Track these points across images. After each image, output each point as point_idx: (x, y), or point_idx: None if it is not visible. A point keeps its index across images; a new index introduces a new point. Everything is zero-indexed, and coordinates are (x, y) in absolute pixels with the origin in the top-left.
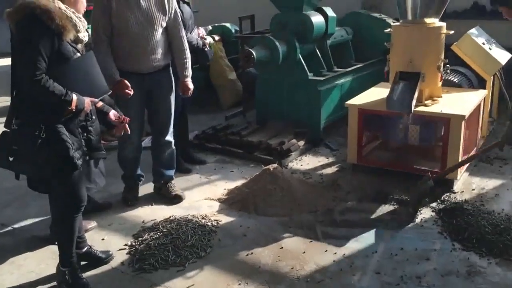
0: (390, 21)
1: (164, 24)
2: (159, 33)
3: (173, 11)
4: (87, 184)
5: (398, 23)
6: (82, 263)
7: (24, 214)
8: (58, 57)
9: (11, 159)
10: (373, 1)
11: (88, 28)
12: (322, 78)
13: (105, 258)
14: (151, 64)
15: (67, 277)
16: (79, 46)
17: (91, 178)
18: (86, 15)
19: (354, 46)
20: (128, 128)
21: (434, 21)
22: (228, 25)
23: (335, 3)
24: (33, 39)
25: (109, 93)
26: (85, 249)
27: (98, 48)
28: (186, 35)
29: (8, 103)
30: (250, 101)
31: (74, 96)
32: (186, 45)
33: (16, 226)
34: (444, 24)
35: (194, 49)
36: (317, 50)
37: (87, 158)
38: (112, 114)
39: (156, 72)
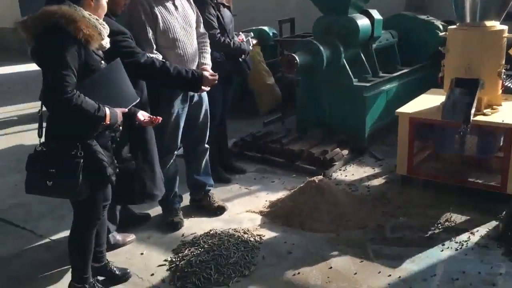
0: (438, 23)
1: (195, 25)
2: (195, 35)
3: (195, 8)
4: (154, 191)
5: (454, 26)
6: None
7: (61, 226)
8: (85, 69)
9: (49, 183)
10: (418, 2)
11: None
12: (367, 84)
13: (121, 276)
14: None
15: None
16: (100, 53)
17: (156, 184)
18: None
19: (399, 50)
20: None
21: (495, 24)
22: (266, 28)
23: (378, 4)
24: (60, 53)
25: (137, 100)
26: (103, 263)
27: (154, 60)
28: (229, 40)
29: (33, 110)
30: (289, 107)
31: (107, 110)
32: (208, 39)
33: (54, 238)
34: (505, 27)
35: (234, 57)
36: (362, 54)
37: (117, 170)
38: (141, 114)
39: None
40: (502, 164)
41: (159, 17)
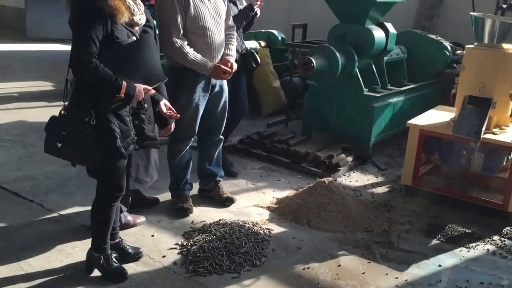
0: (447, 44)
1: (225, 16)
2: (223, 26)
3: (226, 0)
4: (144, 177)
5: (472, 46)
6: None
7: (70, 201)
8: (111, 41)
9: (59, 145)
10: (425, 22)
11: (142, 12)
12: (377, 95)
13: (134, 254)
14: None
15: (102, 261)
16: (136, 29)
17: (148, 171)
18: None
19: (406, 65)
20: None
21: (511, 47)
22: (275, 32)
23: (386, 21)
24: (85, 21)
25: (165, 80)
26: (116, 240)
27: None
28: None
29: (33, 89)
30: (292, 111)
31: (124, 83)
32: (235, 33)
33: (62, 212)
34: None
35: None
36: (373, 66)
37: (137, 147)
38: (163, 104)
39: None
40: (507, 183)
41: (191, 4)
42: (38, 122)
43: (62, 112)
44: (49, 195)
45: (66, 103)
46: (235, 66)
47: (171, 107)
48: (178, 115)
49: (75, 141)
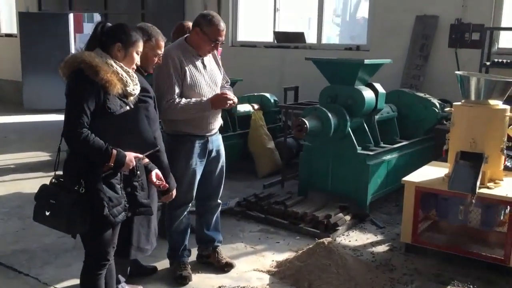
0: (435, 101)
1: (220, 83)
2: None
3: (222, 69)
4: (145, 245)
5: (460, 103)
6: None
7: (67, 273)
8: (103, 111)
9: (47, 213)
10: (413, 81)
11: (137, 83)
12: (371, 153)
13: None
14: (216, 125)
15: None
16: (131, 99)
17: (149, 239)
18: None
19: (397, 123)
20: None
21: (497, 103)
22: (267, 95)
23: (375, 81)
24: (78, 93)
25: (157, 149)
26: None
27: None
28: None
29: (29, 160)
30: (288, 171)
31: (114, 151)
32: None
33: (58, 286)
34: (508, 107)
35: None
36: (365, 125)
37: (130, 214)
38: (154, 174)
39: (216, 133)
40: (506, 238)
41: (188, 73)
42: (35, 193)
43: (53, 180)
44: (45, 268)
45: (58, 172)
46: (235, 99)
47: (162, 177)
48: (167, 186)
49: (62, 210)
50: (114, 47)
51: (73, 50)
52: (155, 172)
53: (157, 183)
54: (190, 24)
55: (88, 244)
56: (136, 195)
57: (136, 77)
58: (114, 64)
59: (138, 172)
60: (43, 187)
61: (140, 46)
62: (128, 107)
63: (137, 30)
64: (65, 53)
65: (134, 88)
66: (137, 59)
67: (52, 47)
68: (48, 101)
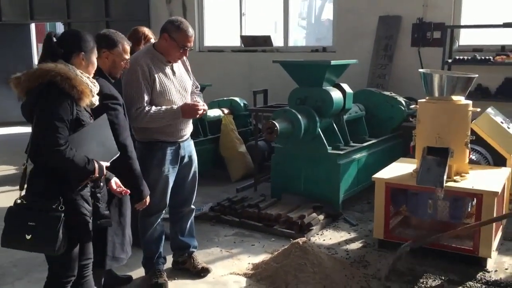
0: (401, 99)
1: (190, 89)
2: (189, 99)
3: (191, 75)
4: (121, 255)
5: (424, 100)
6: None
7: None
8: (76, 124)
9: (28, 237)
10: (379, 81)
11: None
12: (341, 152)
13: None
14: (188, 131)
15: None
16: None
17: (124, 248)
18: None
19: (365, 122)
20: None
21: (460, 99)
22: (237, 99)
23: (342, 81)
24: (55, 107)
25: (118, 154)
26: None
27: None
28: None
29: (14, 171)
30: (260, 174)
31: (96, 164)
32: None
33: None
34: (470, 102)
35: None
36: (334, 125)
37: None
38: (113, 182)
39: (188, 139)
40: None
41: (157, 80)
42: (3, 208)
43: (19, 201)
44: (16, 284)
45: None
46: (206, 107)
47: (121, 185)
48: (129, 191)
49: (49, 231)
50: (79, 57)
51: (36, 61)
52: (114, 181)
53: (117, 190)
54: (145, 29)
55: (57, 260)
56: (99, 206)
57: (98, 87)
58: (82, 76)
59: (101, 183)
60: (12, 210)
61: (96, 50)
62: (92, 119)
63: (90, 34)
64: (28, 64)
65: (96, 98)
66: (95, 64)
67: (14, 59)
68: (12, 112)
